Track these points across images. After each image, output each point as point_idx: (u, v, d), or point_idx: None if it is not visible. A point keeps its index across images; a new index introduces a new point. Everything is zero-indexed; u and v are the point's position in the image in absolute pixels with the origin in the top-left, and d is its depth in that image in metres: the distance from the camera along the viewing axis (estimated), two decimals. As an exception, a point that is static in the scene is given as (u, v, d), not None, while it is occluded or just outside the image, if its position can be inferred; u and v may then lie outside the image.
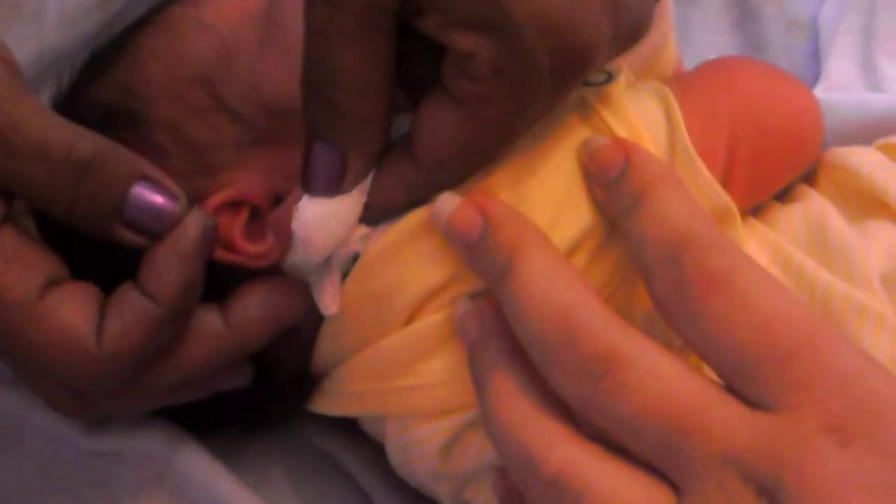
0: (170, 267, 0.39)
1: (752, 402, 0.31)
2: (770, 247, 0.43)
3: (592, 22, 0.35)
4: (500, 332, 0.37)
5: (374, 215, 0.39)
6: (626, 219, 0.36)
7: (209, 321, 0.41)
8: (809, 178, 0.47)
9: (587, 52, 0.35)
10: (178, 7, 0.45)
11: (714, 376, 0.33)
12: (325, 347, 0.43)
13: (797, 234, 0.43)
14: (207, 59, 0.43)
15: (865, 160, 0.45)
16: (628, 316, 0.36)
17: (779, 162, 0.44)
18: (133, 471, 0.48)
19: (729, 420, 0.31)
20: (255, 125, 0.42)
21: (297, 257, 0.39)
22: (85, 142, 0.38)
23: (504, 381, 0.36)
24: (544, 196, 0.39)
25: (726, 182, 0.41)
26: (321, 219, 0.38)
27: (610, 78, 0.41)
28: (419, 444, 0.43)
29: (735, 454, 0.30)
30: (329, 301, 0.40)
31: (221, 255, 0.41)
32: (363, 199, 0.39)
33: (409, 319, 0.40)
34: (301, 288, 0.41)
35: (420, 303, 0.40)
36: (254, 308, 0.41)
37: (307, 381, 0.45)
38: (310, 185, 0.38)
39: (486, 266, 0.37)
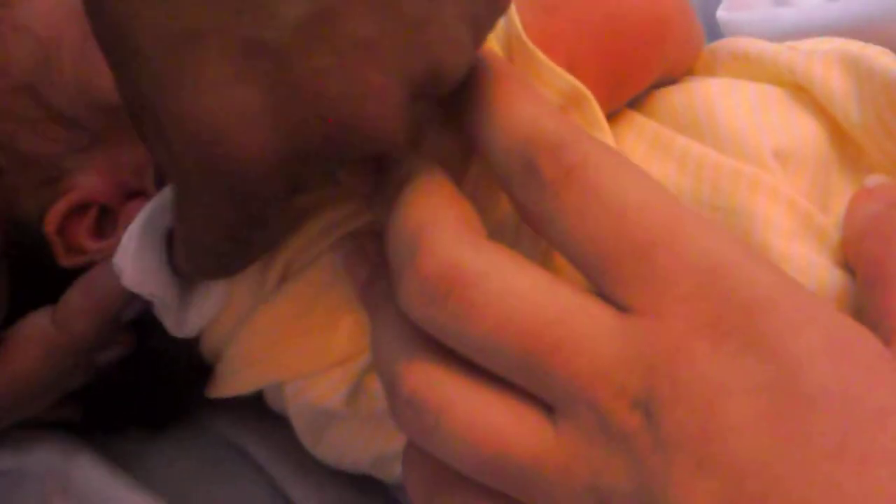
0: (83, 309, 0.39)
1: (619, 305, 0.28)
2: (648, 135, 0.40)
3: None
4: (384, 268, 0.35)
5: None
6: (468, 122, 0.34)
7: (37, 323, 0.40)
8: (706, 69, 0.44)
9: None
10: None
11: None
12: (210, 334, 0.41)
13: (679, 117, 0.40)
14: (28, 65, 0.40)
15: (769, 47, 0.42)
16: (495, 229, 0.34)
17: (637, 51, 0.40)
18: (36, 486, 0.47)
19: (594, 331, 0.28)
20: (89, 126, 0.41)
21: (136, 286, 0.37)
22: None
23: (385, 311, 0.33)
24: None
25: (580, 74, 0.38)
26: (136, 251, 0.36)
27: None
28: (323, 403, 0.41)
29: (603, 368, 0.27)
30: (172, 326, 0.39)
31: (69, 260, 0.40)
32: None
33: (283, 277, 0.39)
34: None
35: (294, 254, 0.39)
36: (73, 301, 0.40)
37: (205, 370, 0.43)
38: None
39: (382, 203, 0.35)
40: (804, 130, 0.38)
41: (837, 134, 0.38)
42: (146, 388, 0.45)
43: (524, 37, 0.37)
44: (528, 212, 0.31)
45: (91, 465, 0.46)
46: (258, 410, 0.47)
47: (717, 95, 0.39)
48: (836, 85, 0.38)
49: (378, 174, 0.36)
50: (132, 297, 0.39)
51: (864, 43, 0.41)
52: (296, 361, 0.40)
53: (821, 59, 0.39)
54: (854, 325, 0.28)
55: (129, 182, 0.41)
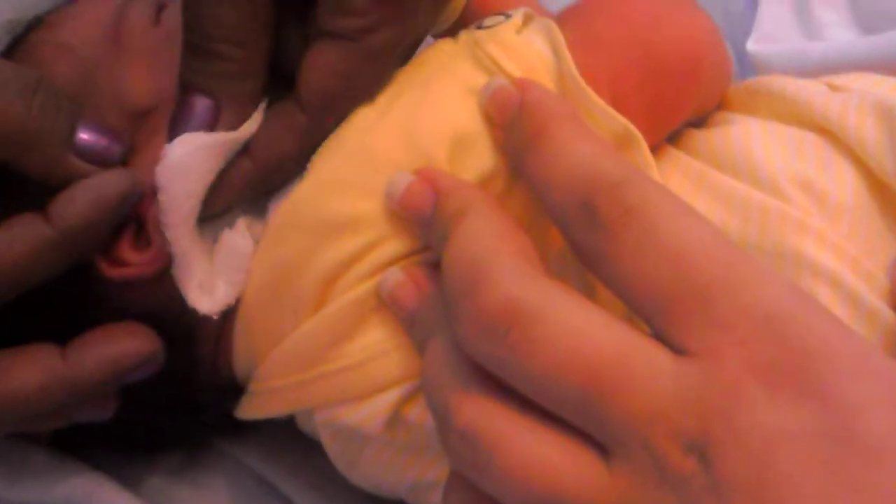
0: (80, 202, 0.37)
1: (675, 346, 0.29)
2: (693, 173, 0.40)
3: None
4: (438, 299, 0.36)
5: (265, 172, 0.40)
6: (525, 162, 0.35)
7: (43, 350, 0.39)
8: (744, 107, 0.44)
9: None
10: (36, 32, 0.45)
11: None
12: (242, 350, 0.42)
13: (720, 158, 0.40)
14: (71, 80, 0.42)
15: (804, 87, 0.42)
16: (543, 259, 0.35)
17: (672, 86, 0.41)
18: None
19: (651, 372, 0.28)
20: (123, 131, 0.41)
21: (164, 217, 0.38)
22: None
23: (436, 342, 0.34)
24: (441, 142, 0.38)
25: (622, 112, 0.39)
26: (182, 163, 0.38)
27: (506, 19, 0.41)
28: (359, 428, 0.41)
29: (659, 409, 0.28)
30: (195, 295, 0.39)
31: (115, 272, 0.40)
32: (224, 155, 0.39)
33: (321, 299, 0.39)
34: (146, 330, 0.40)
35: (330, 279, 0.39)
36: (91, 346, 0.39)
37: (238, 392, 0.43)
38: (178, 131, 0.38)
39: (437, 236, 0.36)
40: (841, 178, 0.38)
41: (874, 182, 0.38)
42: (185, 412, 0.45)
43: (577, 75, 0.38)
44: (583, 250, 0.32)
45: (117, 499, 0.46)
46: (287, 443, 0.47)
47: (755, 138, 0.40)
48: (869, 135, 0.38)
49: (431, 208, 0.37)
50: (145, 361, 0.39)
51: None
52: (332, 388, 0.40)
53: (855, 106, 0.39)
54: None
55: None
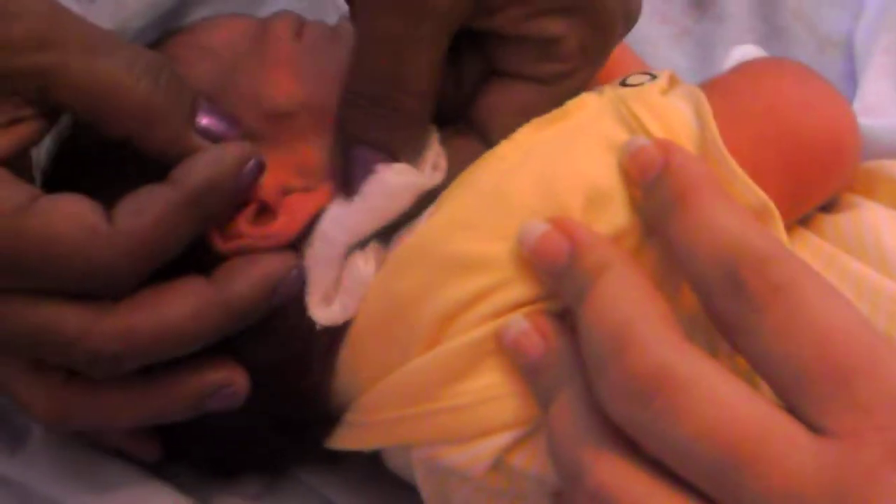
0: (202, 163, 0.39)
1: (811, 424, 0.29)
2: (824, 256, 0.41)
3: None
4: (566, 352, 0.36)
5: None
6: (666, 224, 0.35)
7: (191, 280, 0.40)
8: (865, 189, 0.45)
9: (636, 17, 0.42)
10: (179, 35, 0.47)
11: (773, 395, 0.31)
12: (346, 377, 0.42)
13: (849, 242, 0.41)
14: (207, 78, 0.44)
15: None
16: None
17: (815, 170, 0.41)
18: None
19: (790, 450, 0.29)
20: (255, 130, 0.43)
21: (350, 219, 0.40)
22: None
23: (566, 397, 0.35)
24: (577, 194, 0.38)
25: (759, 185, 0.39)
26: (392, 188, 0.40)
27: (652, 79, 0.42)
28: (460, 470, 0.41)
29: (796, 489, 0.28)
30: (315, 303, 0.40)
31: (227, 245, 0.41)
32: (415, 198, 0.40)
33: (435, 336, 0.39)
34: (289, 251, 0.41)
35: (448, 316, 0.39)
36: (237, 266, 0.40)
37: (330, 421, 0.43)
38: (353, 188, 0.40)
39: (571, 289, 0.36)
40: None
41: None
42: (275, 435, 0.45)
43: (720, 144, 0.38)
44: (724, 320, 0.32)
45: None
46: (369, 477, 0.47)
47: (884, 224, 0.40)
48: None
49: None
50: (294, 275, 0.40)
51: None
52: (438, 426, 0.40)
53: None
54: None
55: (291, 181, 0.42)
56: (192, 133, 0.40)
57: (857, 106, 0.54)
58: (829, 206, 0.44)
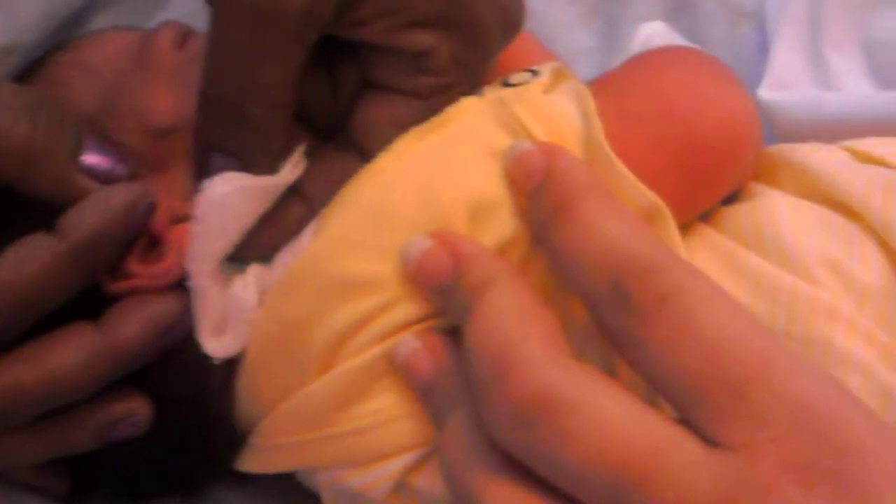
0: (89, 212, 0.38)
1: (707, 437, 0.28)
2: (721, 252, 0.40)
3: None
4: (457, 371, 0.35)
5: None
6: (549, 234, 0.34)
7: (79, 327, 0.39)
8: (767, 176, 0.44)
9: (518, 25, 0.40)
10: (58, 54, 0.46)
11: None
12: (245, 401, 0.41)
13: (748, 237, 0.40)
14: (91, 100, 0.43)
15: (827, 159, 0.42)
16: (565, 333, 0.34)
17: (712, 169, 0.40)
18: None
19: (684, 466, 0.28)
20: (144, 154, 0.42)
21: (192, 249, 0.38)
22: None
23: (457, 419, 0.34)
24: (460, 205, 0.37)
25: (652, 187, 0.38)
26: (222, 200, 0.38)
27: (534, 76, 0.40)
28: (364, 493, 0.40)
29: None
30: (206, 335, 0.39)
31: (117, 286, 0.39)
32: (267, 199, 0.39)
33: (329, 360, 0.39)
34: (179, 292, 0.39)
35: (340, 339, 0.38)
36: (126, 311, 0.39)
37: (238, 441, 0.43)
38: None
39: (457, 307, 0.35)
40: (867, 259, 0.38)
41: None
42: (183, 457, 0.45)
43: (605, 144, 0.37)
44: (613, 333, 0.31)
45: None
46: (286, 495, 0.47)
47: (783, 215, 0.39)
48: (894, 217, 0.37)
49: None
50: (183, 316, 0.39)
51: None
52: (337, 450, 0.39)
53: (881, 185, 0.38)
54: None
55: (179, 208, 0.41)
56: (77, 174, 0.38)
57: (768, 80, 0.53)
58: (730, 197, 0.43)
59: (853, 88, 0.51)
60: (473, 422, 0.32)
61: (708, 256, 0.40)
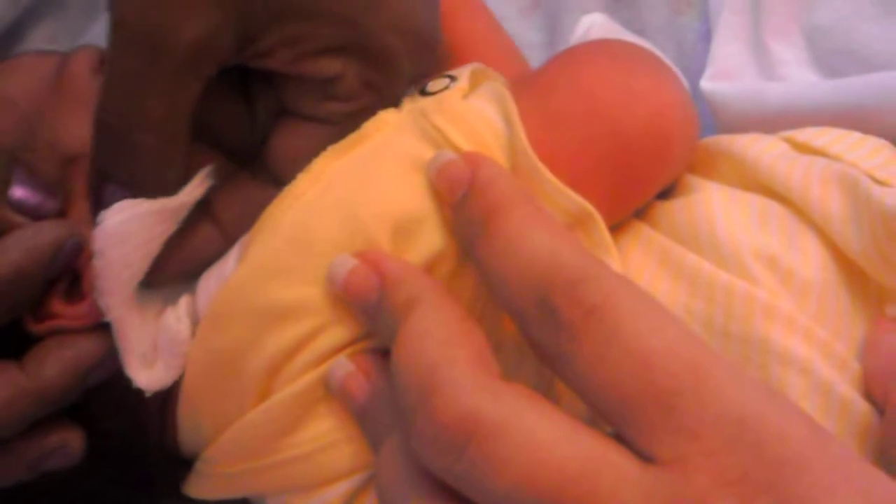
0: (13, 249, 0.37)
1: (641, 453, 0.27)
2: (656, 250, 0.39)
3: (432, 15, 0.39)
4: (389, 393, 0.35)
5: (235, 240, 0.39)
6: (474, 248, 0.33)
7: (1, 367, 0.38)
8: (705, 168, 0.43)
9: (435, 45, 0.40)
10: None
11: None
12: (186, 430, 0.40)
13: (683, 233, 0.39)
14: (10, 131, 0.42)
15: (766, 151, 0.41)
16: (496, 347, 0.33)
17: (643, 166, 0.39)
18: None
19: (617, 485, 0.27)
20: (63, 185, 0.41)
21: (98, 282, 0.37)
22: None
23: (392, 443, 0.32)
24: (384, 224, 0.36)
25: (582, 189, 0.37)
26: (118, 230, 0.36)
27: (451, 82, 0.39)
28: None
29: None
30: (135, 367, 0.38)
31: (39, 327, 0.39)
32: (169, 222, 0.38)
33: (265, 388, 0.38)
34: (101, 331, 0.39)
35: (273, 367, 0.37)
36: (48, 351, 0.38)
37: (180, 466, 0.42)
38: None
39: (385, 328, 0.35)
40: (807, 252, 0.37)
41: (840, 255, 0.37)
42: (126, 482, 0.44)
43: (529, 150, 0.36)
44: (542, 349, 0.30)
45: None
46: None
47: (718, 209, 0.38)
48: (834, 208, 0.37)
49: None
50: (106, 356, 0.38)
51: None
52: (282, 478, 0.39)
53: (819, 177, 0.37)
54: (890, 485, 0.26)
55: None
56: (3, 210, 0.38)
57: (710, 70, 0.52)
58: (666, 192, 0.42)
59: (796, 77, 0.50)
60: (406, 446, 0.31)
61: (643, 255, 0.39)
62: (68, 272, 0.39)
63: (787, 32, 0.51)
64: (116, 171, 0.37)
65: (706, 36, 0.54)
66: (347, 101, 0.38)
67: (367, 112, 0.39)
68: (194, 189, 0.38)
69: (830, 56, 0.50)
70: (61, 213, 0.41)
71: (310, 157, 0.38)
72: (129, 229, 0.36)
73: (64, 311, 0.39)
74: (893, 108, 0.42)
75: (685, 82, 0.42)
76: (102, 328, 0.38)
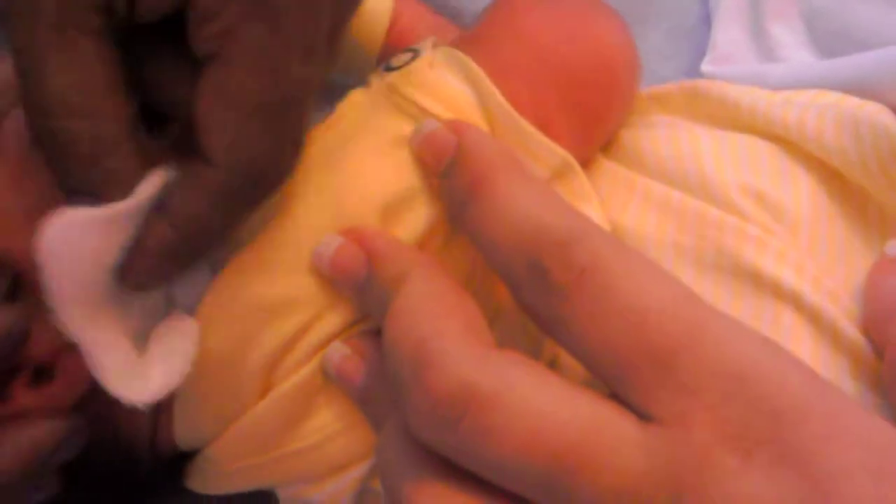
0: None
1: (641, 413, 0.27)
2: (640, 190, 0.39)
3: None
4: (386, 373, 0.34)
5: (185, 237, 0.33)
6: (463, 215, 0.33)
7: None
8: (687, 111, 0.43)
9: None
10: None
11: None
12: (185, 430, 0.39)
13: (667, 169, 0.39)
14: None
15: (760, 99, 0.41)
16: (494, 316, 0.33)
17: (596, 98, 0.40)
18: None
19: (617, 446, 0.27)
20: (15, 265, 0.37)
21: (50, 301, 0.33)
22: None
23: (391, 423, 0.32)
24: (372, 204, 0.36)
25: (547, 134, 0.37)
26: (60, 242, 0.32)
27: (416, 55, 0.38)
28: (326, 503, 0.39)
29: (629, 486, 0.26)
30: (118, 384, 0.34)
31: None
32: (121, 227, 0.33)
33: (266, 384, 0.37)
34: (68, 417, 0.36)
35: (273, 361, 0.37)
36: (7, 433, 0.35)
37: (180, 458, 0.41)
38: None
39: (375, 305, 0.34)
40: (798, 188, 0.37)
41: (837, 185, 0.37)
42: (122, 481, 0.42)
43: (509, 108, 0.36)
44: (536, 312, 0.30)
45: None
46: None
47: (706, 149, 0.39)
48: (829, 137, 0.37)
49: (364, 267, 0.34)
50: (64, 443, 0.36)
51: (861, 100, 0.40)
52: (292, 468, 0.38)
53: (815, 113, 0.38)
54: (889, 431, 0.26)
55: (63, 341, 0.35)
56: None
57: (710, 55, 0.53)
58: (649, 126, 0.42)
59: (795, 59, 0.51)
60: (403, 423, 0.31)
61: (626, 195, 0.39)
62: (27, 366, 0.36)
63: (786, 15, 0.51)
64: (63, 178, 0.32)
65: (705, 19, 0.55)
66: (215, 19, 0.31)
67: (248, 28, 0.31)
68: (148, 186, 0.33)
69: (828, 38, 0.50)
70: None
71: (222, 98, 0.32)
72: (69, 239, 0.32)
73: (27, 396, 0.36)
74: (890, 85, 0.43)
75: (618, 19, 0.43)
76: (67, 412, 0.36)
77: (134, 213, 0.33)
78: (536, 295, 0.29)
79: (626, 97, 0.42)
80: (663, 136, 0.41)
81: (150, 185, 0.33)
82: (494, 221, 0.31)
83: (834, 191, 0.37)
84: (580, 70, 0.39)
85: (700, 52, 0.53)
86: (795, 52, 0.51)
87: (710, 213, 0.36)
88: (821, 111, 0.38)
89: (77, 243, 0.32)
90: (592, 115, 0.40)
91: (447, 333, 0.29)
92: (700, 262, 0.36)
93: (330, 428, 0.38)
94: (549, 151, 0.36)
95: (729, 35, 0.52)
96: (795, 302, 0.35)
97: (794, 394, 0.26)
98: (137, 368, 0.35)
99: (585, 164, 0.40)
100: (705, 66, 0.51)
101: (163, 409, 0.39)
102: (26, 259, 0.33)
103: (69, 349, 0.35)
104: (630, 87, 0.42)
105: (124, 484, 0.42)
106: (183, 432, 0.39)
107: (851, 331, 0.34)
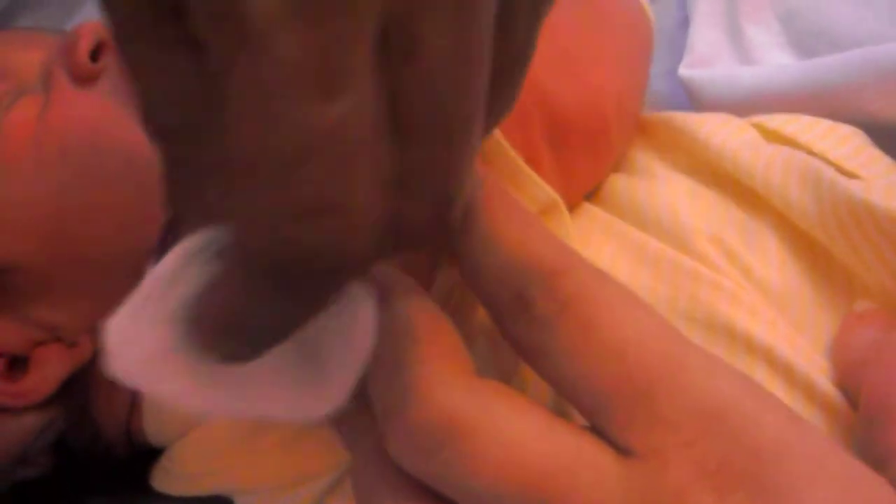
0: None
1: (619, 446, 0.27)
2: (617, 234, 0.39)
3: None
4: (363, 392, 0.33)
5: None
6: (454, 242, 0.32)
7: None
8: (667, 148, 0.43)
9: None
10: None
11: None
12: (152, 426, 0.40)
13: (645, 216, 0.39)
14: None
15: (732, 137, 0.41)
16: (469, 340, 0.32)
17: (586, 144, 0.39)
18: None
19: (596, 480, 0.26)
20: None
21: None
22: None
23: (367, 444, 0.31)
24: None
25: (536, 172, 0.36)
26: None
27: None
28: None
29: None
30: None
31: None
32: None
33: None
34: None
35: None
36: None
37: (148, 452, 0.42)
38: None
39: None
40: (767, 254, 0.37)
41: (803, 244, 0.37)
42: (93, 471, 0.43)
43: (505, 143, 0.35)
44: (518, 343, 0.29)
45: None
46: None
47: (682, 201, 0.38)
48: (793, 195, 0.37)
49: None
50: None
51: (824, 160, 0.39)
52: (251, 476, 0.39)
53: (781, 165, 0.38)
54: (867, 474, 0.26)
55: (37, 336, 0.38)
56: None
57: (688, 57, 0.52)
58: (625, 169, 0.42)
59: (772, 60, 0.50)
60: (381, 447, 0.30)
61: (602, 238, 0.39)
62: (2, 356, 0.37)
63: (762, 16, 0.51)
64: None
65: (683, 22, 0.55)
66: None
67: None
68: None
69: (804, 37, 0.50)
70: None
71: None
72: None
73: (2, 389, 0.37)
74: (859, 86, 0.43)
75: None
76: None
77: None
78: (520, 325, 0.29)
79: (619, 146, 0.41)
80: (641, 184, 0.41)
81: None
82: (482, 250, 0.31)
83: (800, 252, 0.37)
84: (574, 114, 0.38)
85: (679, 55, 0.53)
86: (772, 53, 0.51)
87: (684, 263, 0.36)
88: (787, 164, 0.38)
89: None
90: (582, 161, 0.39)
91: (429, 359, 0.29)
92: (673, 310, 0.36)
93: (289, 441, 0.38)
94: (538, 188, 0.36)
95: (706, 37, 0.52)
96: (767, 356, 0.35)
97: (772, 430, 0.26)
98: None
99: (569, 207, 0.40)
100: (682, 70, 0.51)
101: (138, 401, 0.40)
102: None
103: (42, 343, 0.37)
104: (622, 140, 0.41)
105: (106, 466, 0.43)
106: (150, 428, 0.40)
107: (825, 384, 0.34)
